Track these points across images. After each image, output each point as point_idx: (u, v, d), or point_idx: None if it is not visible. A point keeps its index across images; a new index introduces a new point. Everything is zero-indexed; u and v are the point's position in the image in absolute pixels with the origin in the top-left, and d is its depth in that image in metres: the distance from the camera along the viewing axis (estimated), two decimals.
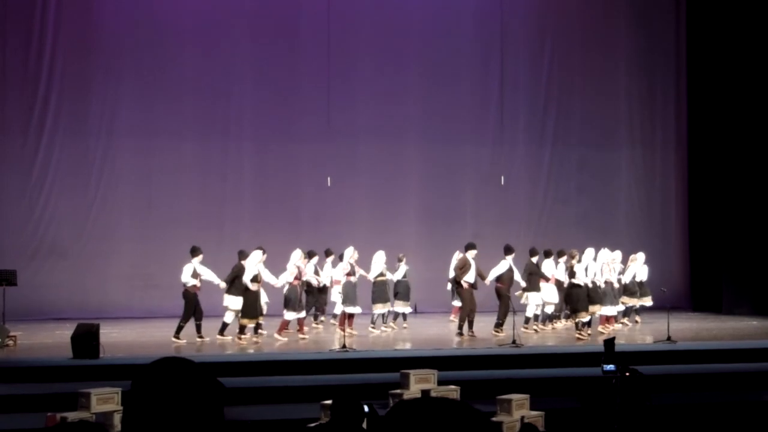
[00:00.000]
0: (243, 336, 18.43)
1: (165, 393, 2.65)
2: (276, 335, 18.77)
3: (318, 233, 23.09)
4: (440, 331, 20.56)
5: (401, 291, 20.99)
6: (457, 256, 20.49)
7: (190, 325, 18.60)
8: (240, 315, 18.56)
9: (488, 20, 25.53)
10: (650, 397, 12.10)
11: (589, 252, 20.22)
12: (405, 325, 21.12)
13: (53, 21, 23.53)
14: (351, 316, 19.39)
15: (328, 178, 23.87)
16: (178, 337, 18.44)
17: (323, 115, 24.33)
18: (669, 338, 17.89)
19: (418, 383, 13.11)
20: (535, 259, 20.21)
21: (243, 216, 24.23)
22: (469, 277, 19.37)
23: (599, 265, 20.14)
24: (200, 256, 18.89)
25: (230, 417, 11.61)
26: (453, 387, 13.28)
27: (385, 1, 25.51)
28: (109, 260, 23.51)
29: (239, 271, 18.82)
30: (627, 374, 11.79)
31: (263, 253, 19.01)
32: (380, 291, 20.27)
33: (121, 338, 18.46)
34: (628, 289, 21.27)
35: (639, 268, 21.55)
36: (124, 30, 23.86)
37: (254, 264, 18.69)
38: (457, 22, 25.57)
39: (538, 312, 20.61)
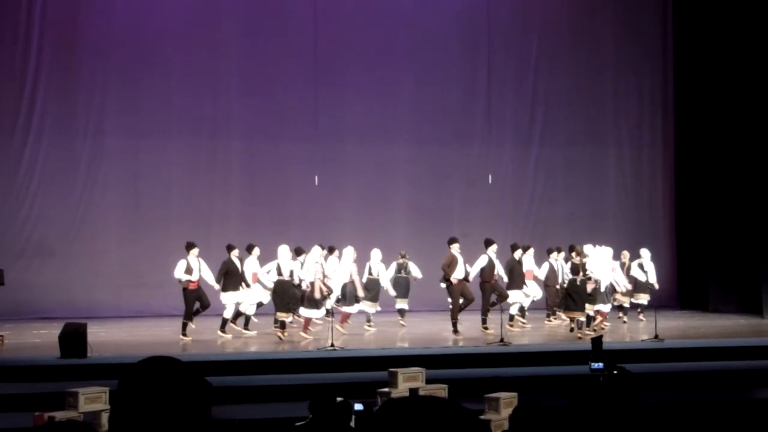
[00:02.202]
0: (284, 331, 18.54)
1: (152, 392, 2.65)
2: (302, 333, 18.88)
3: (306, 232, 23.05)
4: (428, 330, 20.54)
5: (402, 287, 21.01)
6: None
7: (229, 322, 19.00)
8: (275, 310, 18.69)
9: (475, 20, 25.55)
10: (638, 395, 12.11)
11: (587, 249, 20.24)
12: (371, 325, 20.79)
13: (39, 20, 23.46)
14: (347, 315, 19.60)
15: (316, 178, 23.87)
16: (185, 335, 18.57)
17: (311, 115, 24.33)
18: (657, 336, 17.93)
19: (406, 382, 13.11)
20: (517, 255, 20.30)
21: (231, 215, 24.21)
22: (459, 273, 19.40)
23: (599, 263, 20.20)
24: (195, 250, 18.96)
25: (218, 416, 11.60)
26: (441, 385, 13.28)
27: (373, 1, 25.51)
28: (97, 259, 23.47)
29: (228, 266, 18.97)
30: (615, 372, 11.80)
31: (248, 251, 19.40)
32: (374, 290, 20.30)
33: (108, 337, 18.44)
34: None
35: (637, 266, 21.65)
36: (110, 29, 23.81)
37: (285, 259, 18.88)
38: (444, 22, 25.58)
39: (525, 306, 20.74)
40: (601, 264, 19.92)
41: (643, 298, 21.67)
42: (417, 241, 23.88)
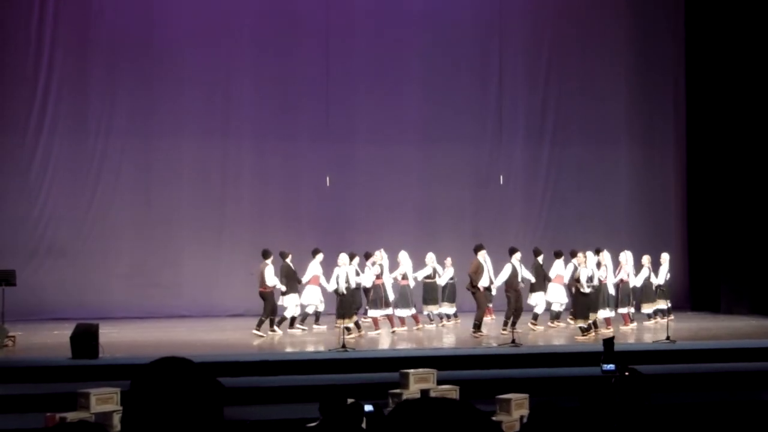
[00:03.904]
0: (360, 333, 19.29)
1: (164, 393, 2.65)
2: (401, 329, 20.08)
3: (317, 233, 23.11)
4: (440, 331, 20.57)
5: (449, 292, 21.49)
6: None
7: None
8: (339, 317, 19.00)
9: (487, 20, 25.50)
10: (649, 397, 12.09)
11: (592, 254, 20.31)
12: (450, 322, 21.51)
13: (52, 19, 23.50)
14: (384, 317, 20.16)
15: (327, 178, 23.86)
16: (273, 330, 19.49)
17: (322, 115, 24.31)
18: (668, 338, 17.90)
19: (418, 383, 13.12)
20: (540, 259, 20.42)
21: (242, 215, 24.22)
22: (484, 281, 19.52)
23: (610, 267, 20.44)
24: (271, 257, 19.64)
25: (230, 417, 11.60)
26: (452, 387, 13.28)
27: (383, 2, 25.50)
28: (108, 260, 23.50)
29: (287, 270, 19.82)
30: (626, 374, 11.78)
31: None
32: (431, 291, 21.01)
33: (120, 338, 18.45)
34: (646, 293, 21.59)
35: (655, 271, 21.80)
36: (122, 29, 23.83)
37: (345, 267, 19.48)
38: (455, 22, 25.54)
39: (554, 309, 20.82)
40: (630, 270, 20.38)
41: (663, 303, 21.72)
42: (428, 241, 23.87)
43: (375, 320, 20.11)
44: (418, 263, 21.42)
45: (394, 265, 20.82)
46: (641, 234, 25.17)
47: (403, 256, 20.84)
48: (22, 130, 23.31)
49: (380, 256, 20.48)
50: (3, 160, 23.27)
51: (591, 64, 26.13)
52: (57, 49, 23.53)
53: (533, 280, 20.34)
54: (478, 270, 19.51)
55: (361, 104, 24.96)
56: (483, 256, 19.68)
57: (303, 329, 20.16)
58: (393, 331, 19.88)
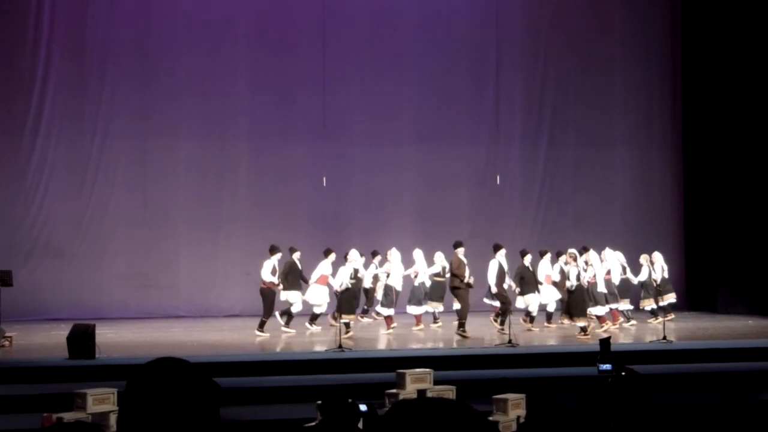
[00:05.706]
0: (349, 332, 19.03)
1: (161, 393, 2.65)
2: (414, 329, 20.27)
3: (314, 233, 23.10)
4: (436, 331, 20.56)
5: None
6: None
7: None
8: (341, 312, 19.00)
9: (484, 20, 25.52)
10: (646, 397, 12.09)
11: (590, 253, 20.33)
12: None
13: (48, 21, 23.49)
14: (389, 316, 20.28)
15: (324, 178, 23.85)
16: (264, 331, 19.32)
17: (319, 115, 24.31)
18: (665, 338, 17.90)
19: (414, 383, 13.11)
20: (527, 261, 20.31)
21: (239, 216, 24.21)
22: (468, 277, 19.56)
23: (601, 265, 20.42)
24: (279, 254, 19.72)
25: (226, 417, 11.59)
26: (449, 387, 13.27)
27: (380, 2, 25.49)
28: (105, 260, 23.49)
29: (291, 266, 19.76)
30: (623, 374, 11.78)
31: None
32: (438, 289, 20.75)
33: (116, 338, 18.45)
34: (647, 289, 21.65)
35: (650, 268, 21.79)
36: (118, 30, 23.83)
37: (356, 263, 19.72)
38: (452, 21, 25.56)
39: (540, 311, 20.77)
40: (613, 266, 20.27)
41: (669, 299, 21.78)
42: (424, 241, 23.86)
43: (387, 319, 20.17)
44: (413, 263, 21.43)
45: (405, 264, 20.93)
46: (638, 235, 25.19)
47: (418, 255, 20.88)
48: (19, 131, 23.29)
49: (392, 256, 20.67)
50: (0, 161, 23.26)
51: (588, 66, 26.14)
52: (53, 50, 23.51)
53: (515, 287, 20.20)
54: (460, 267, 19.50)
55: (358, 104, 24.95)
56: (462, 253, 19.66)
57: (291, 330, 19.87)
58: (390, 331, 19.90)
